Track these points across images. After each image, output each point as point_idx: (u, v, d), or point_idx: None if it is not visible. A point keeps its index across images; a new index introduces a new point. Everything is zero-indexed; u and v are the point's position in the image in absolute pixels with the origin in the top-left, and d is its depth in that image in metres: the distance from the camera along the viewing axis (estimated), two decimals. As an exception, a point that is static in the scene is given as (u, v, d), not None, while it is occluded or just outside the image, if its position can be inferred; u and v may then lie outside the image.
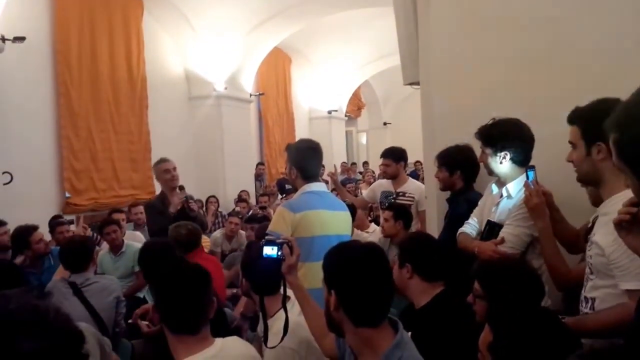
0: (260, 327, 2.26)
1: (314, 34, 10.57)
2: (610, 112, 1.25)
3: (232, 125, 8.95)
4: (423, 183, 4.33)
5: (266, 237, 2.04)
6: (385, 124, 17.18)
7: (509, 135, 2.34)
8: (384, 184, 4.59)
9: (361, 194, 6.99)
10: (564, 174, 2.13)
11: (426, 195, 3.67)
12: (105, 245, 4.74)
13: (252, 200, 8.53)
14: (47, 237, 4.45)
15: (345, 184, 7.37)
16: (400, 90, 13.83)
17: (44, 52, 5.96)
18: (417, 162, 10.29)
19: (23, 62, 5.52)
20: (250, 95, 9.79)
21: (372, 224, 5.10)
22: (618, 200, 1.52)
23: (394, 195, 4.38)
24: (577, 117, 1.84)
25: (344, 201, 3.54)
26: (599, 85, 2.11)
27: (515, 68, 2.80)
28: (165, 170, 4.15)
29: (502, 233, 2.31)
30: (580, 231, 2.13)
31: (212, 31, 8.20)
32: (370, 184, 6.96)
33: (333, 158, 11.36)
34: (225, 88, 8.72)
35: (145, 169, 7.27)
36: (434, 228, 3.16)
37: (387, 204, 4.29)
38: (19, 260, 3.91)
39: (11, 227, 4.24)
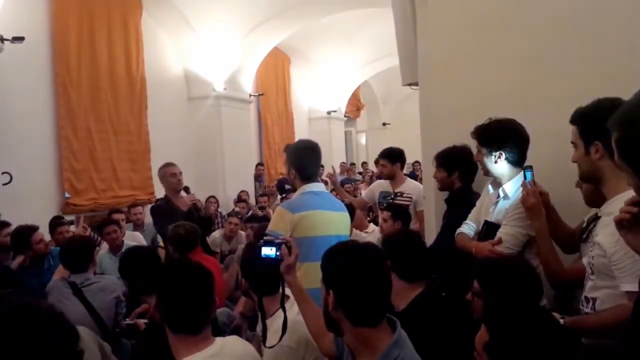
0: (259, 327, 2.27)
1: (313, 35, 10.57)
2: (608, 112, 1.26)
3: (231, 125, 8.94)
4: (421, 183, 4.35)
5: (264, 238, 2.03)
6: (384, 124, 17.17)
7: (505, 135, 2.35)
8: (383, 185, 4.61)
9: (360, 194, 7.00)
10: (559, 174, 2.15)
11: (424, 195, 3.68)
12: (105, 246, 4.75)
13: (252, 201, 8.53)
14: (47, 237, 4.45)
15: (344, 185, 7.37)
16: (399, 91, 13.82)
17: (43, 52, 5.94)
18: (416, 162, 10.30)
19: (22, 62, 5.50)
20: (250, 95, 9.78)
21: (371, 224, 5.11)
22: (621, 200, 1.52)
23: (392, 196, 4.39)
24: (577, 117, 1.87)
25: (343, 201, 3.55)
26: (597, 86, 2.12)
27: (513, 68, 2.81)
28: (172, 174, 4.40)
29: (499, 233, 2.32)
30: (575, 231, 2.14)
31: (211, 31, 8.20)
32: (369, 184, 6.97)
33: (332, 158, 11.36)
34: (225, 88, 8.71)
35: (144, 170, 7.27)
36: (432, 228, 3.17)
37: (385, 204, 4.31)
38: (19, 260, 3.91)
39: (11, 227, 4.24)
